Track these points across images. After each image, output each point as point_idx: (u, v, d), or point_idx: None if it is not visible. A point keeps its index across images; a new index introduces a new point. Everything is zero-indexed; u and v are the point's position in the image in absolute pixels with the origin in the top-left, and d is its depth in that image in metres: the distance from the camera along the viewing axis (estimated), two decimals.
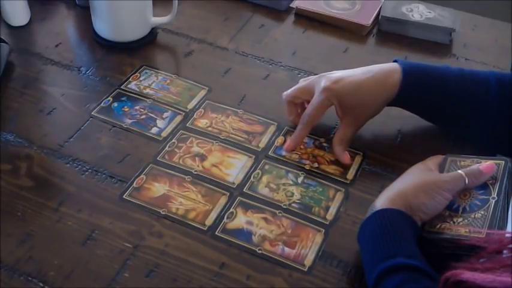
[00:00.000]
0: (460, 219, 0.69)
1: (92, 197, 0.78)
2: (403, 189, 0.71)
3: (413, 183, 0.71)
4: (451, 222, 0.69)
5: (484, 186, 0.71)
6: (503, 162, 0.73)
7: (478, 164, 0.73)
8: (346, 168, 0.84)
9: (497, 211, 0.68)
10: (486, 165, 0.72)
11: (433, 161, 0.76)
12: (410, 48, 1.06)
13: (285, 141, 0.87)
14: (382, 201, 0.70)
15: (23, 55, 1.00)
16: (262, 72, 1.00)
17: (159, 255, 0.72)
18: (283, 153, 0.85)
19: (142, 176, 0.81)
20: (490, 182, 0.72)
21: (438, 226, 0.69)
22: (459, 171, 0.72)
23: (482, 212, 0.69)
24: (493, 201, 0.69)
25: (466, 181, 0.71)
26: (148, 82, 0.96)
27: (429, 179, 0.71)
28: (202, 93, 0.95)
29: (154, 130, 0.88)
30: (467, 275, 0.57)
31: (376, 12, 1.11)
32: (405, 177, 0.74)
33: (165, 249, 0.73)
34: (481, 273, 0.57)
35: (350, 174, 0.83)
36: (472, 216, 0.69)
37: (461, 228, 0.68)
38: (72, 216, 0.76)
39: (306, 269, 0.72)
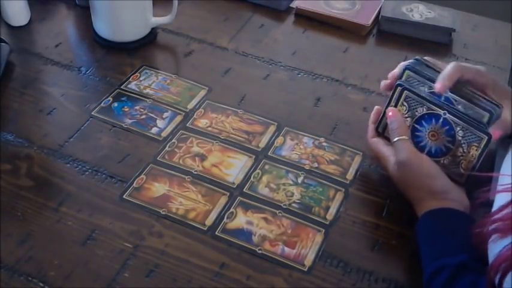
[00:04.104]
0: (459, 150, 0.75)
1: (92, 197, 0.78)
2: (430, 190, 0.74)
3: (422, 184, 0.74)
4: (461, 156, 0.75)
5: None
6: (485, 138, 0.74)
7: (388, 120, 0.78)
8: (346, 168, 0.84)
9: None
10: (390, 113, 0.78)
11: (384, 153, 0.79)
12: (410, 48, 1.06)
13: (284, 141, 0.87)
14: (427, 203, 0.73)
15: (23, 55, 1.00)
16: (262, 72, 1.00)
17: (159, 255, 0.72)
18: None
19: (142, 176, 0.81)
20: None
21: (464, 166, 0.75)
22: (395, 139, 0.76)
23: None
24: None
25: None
26: (148, 82, 0.96)
27: (413, 171, 0.74)
28: (202, 93, 0.95)
29: (154, 130, 0.88)
30: None
31: (376, 12, 1.11)
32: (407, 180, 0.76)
33: (165, 249, 0.73)
34: None
35: (350, 174, 0.83)
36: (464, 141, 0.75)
37: (471, 151, 0.74)
38: (72, 216, 0.76)
39: (306, 269, 0.72)
